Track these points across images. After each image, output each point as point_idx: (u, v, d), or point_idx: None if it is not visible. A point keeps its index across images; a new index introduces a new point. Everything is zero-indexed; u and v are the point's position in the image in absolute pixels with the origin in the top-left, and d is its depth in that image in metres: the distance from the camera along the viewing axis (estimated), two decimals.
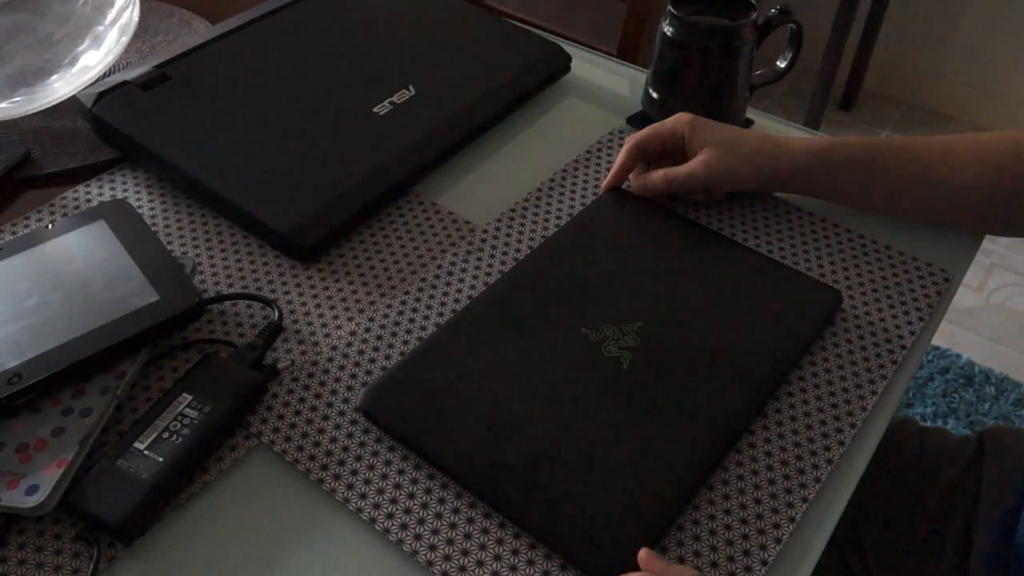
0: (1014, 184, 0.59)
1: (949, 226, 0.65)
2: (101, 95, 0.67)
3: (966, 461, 0.69)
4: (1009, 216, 0.61)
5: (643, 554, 0.44)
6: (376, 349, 0.56)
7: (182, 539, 0.46)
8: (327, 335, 0.57)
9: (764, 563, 0.45)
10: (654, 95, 0.73)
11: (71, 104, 0.71)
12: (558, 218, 0.66)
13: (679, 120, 0.64)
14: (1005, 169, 0.59)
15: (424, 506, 0.47)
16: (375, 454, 0.50)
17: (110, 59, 0.71)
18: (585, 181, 0.69)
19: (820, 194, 0.64)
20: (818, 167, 0.62)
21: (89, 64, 0.71)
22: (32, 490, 0.44)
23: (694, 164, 0.62)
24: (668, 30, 0.69)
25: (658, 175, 0.64)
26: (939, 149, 0.61)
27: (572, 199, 0.67)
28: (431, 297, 0.59)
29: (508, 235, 0.64)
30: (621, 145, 0.70)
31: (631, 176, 0.67)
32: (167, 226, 0.64)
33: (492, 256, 0.62)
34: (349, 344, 0.56)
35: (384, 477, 0.48)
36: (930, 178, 0.61)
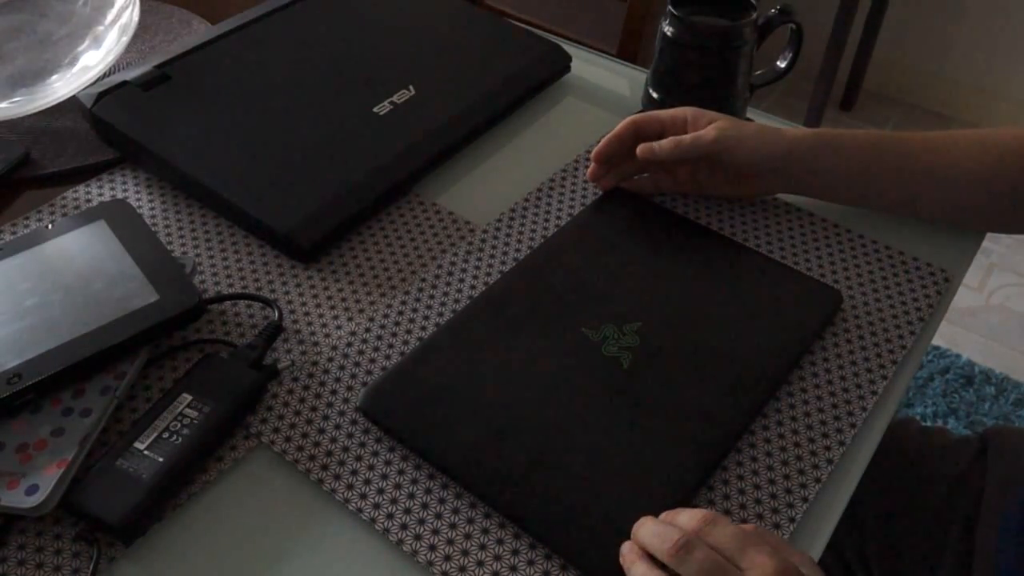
0: (1014, 179, 0.59)
1: (947, 223, 0.65)
2: (101, 95, 0.67)
3: (967, 461, 0.69)
4: (1009, 212, 0.61)
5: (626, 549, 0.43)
6: (376, 349, 0.56)
7: (182, 539, 0.46)
8: (327, 335, 0.57)
9: None
10: (654, 95, 0.73)
11: (71, 104, 0.71)
12: (558, 218, 0.66)
13: (683, 108, 0.64)
14: (1005, 163, 0.59)
15: (424, 506, 0.47)
16: (375, 454, 0.50)
17: (110, 59, 0.71)
18: (585, 181, 0.69)
19: (817, 184, 0.63)
20: (818, 147, 0.61)
21: (89, 64, 0.71)
22: (32, 490, 0.44)
23: (704, 130, 0.62)
24: (668, 30, 0.69)
25: (667, 140, 0.62)
26: (940, 142, 0.61)
27: (572, 199, 0.67)
28: (431, 297, 0.59)
29: (508, 235, 0.64)
30: None
31: (626, 181, 0.67)
32: (167, 226, 0.64)
33: (492, 256, 0.62)
34: (349, 344, 0.56)
35: (384, 477, 0.48)
36: (930, 169, 0.61)
